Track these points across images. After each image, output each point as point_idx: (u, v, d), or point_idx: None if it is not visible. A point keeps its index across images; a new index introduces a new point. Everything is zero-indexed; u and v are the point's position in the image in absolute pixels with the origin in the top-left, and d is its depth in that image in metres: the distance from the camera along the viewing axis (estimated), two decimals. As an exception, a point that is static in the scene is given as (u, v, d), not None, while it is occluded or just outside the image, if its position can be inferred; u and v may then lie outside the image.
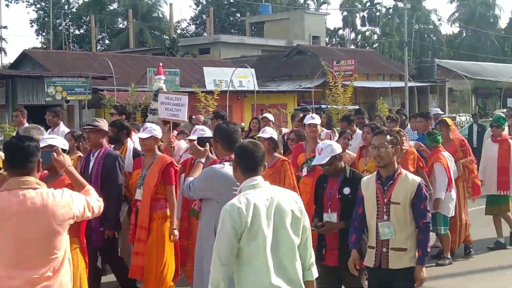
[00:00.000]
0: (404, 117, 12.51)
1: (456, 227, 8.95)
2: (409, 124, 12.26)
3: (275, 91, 33.99)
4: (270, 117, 10.97)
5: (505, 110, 25.60)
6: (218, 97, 19.02)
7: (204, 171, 5.24)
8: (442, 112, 21.75)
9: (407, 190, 5.07)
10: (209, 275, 4.98)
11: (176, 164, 6.76)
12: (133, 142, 8.04)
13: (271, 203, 3.92)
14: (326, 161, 5.73)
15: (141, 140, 6.78)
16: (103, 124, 7.19)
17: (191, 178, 5.25)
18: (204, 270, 5.00)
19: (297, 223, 4.01)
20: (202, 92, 19.34)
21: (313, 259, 4.17)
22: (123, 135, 7.73)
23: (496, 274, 8.47)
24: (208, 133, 6.90)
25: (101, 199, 4.33)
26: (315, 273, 4.17)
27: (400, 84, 37.50)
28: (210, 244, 4.96)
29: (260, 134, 7.68)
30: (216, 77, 27.54)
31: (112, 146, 7.50)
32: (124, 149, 7.71)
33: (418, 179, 5.18)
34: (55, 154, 4.41)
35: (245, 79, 29.67)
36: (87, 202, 4.13)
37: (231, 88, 25.46)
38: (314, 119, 8.20)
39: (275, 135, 7.61)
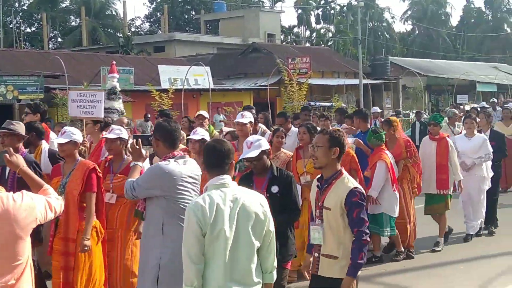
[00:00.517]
0: (339, 116, 11.97)
1: (405, 227, 8.89)
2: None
3: (230, 89, 33.92)
4: (205, 114, 10.53)
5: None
6: (173, 96, 18.89)
7: (150, 169, 5.19)
8: (381, 110, 21.60)
9: (339, 196, 4.73)
10: (153, 271, 4.91)
11: (99, 170, 6.37)
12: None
13: (235, 205, 3.96)
14: (256, 156, 5.58)
15: (59, 145, 6.27)
16: (20, 128, 6.71)
17: (132, 179, 5.14)
18: (150, 267, 4.96)
19: (260, 226, 4.05)
20: (157, 90, 19.19)
21: (275, 263, 4.20)
22: (33, 137, 7.30)
23: (448, 269, 8.58)
24: (124, 133, 6.73)
25: (60, 197, 4.18)
26: (275, 277, 4.22)
27: (355, 81, 37.84)
28: (157, 241, 4.95)
29: (191, 136, 7.46)
30: (171, 75, 27.37)
31: (27, 150, 7.08)
32: (39, 151, 7.34)
33: (352, 185, 4.79)
34: (7, 155, 4.26)
35: (201, 77, 29.52)
36: (48, 203, 3.97)
37: (186, 87, 25.29)
38: (243, 117, 8.01)
39: (206, 136, 7.40)
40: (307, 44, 66.43)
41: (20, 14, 62.66)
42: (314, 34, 73.42)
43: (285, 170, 6.09)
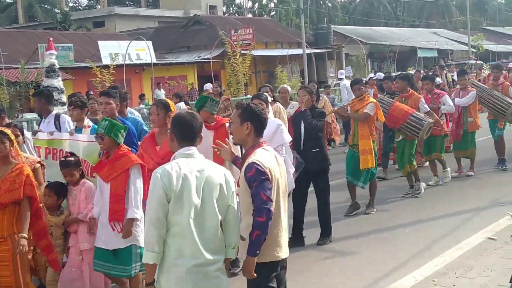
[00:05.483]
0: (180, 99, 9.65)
1: None
2: None
3: (173, 63, 33.56)
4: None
5: (398, 72, 25.78)
6: (114, 72, 18.55)
7: None
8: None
9: (242, 172, 4.41)
10: None
11: None
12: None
13: (202, 175, 4.02)
14: None
15: None
16: None
17: None
18: None
19: (223, 199, 4.09)
20: (98, 66, 18.81)
21: (238, 239, 4.20)
22: None
23: (394, 234, 8.69)
24: None
25: None
26: (235, 254, 4.25)
27: (298, 51, 37.86)
28: None
29: None
30: (112, 50, 26.85)
31: None
32: None
33: (251, 159, 4.38)
34: None
35: (143, 51, 29.07)
36: None
37: (128, 62, 24.87)
38: None
39: None
40: (250, 15, 66.07)
41: (-49, -9, 60.46)
42: (257, 5, 73.01)
43: None
